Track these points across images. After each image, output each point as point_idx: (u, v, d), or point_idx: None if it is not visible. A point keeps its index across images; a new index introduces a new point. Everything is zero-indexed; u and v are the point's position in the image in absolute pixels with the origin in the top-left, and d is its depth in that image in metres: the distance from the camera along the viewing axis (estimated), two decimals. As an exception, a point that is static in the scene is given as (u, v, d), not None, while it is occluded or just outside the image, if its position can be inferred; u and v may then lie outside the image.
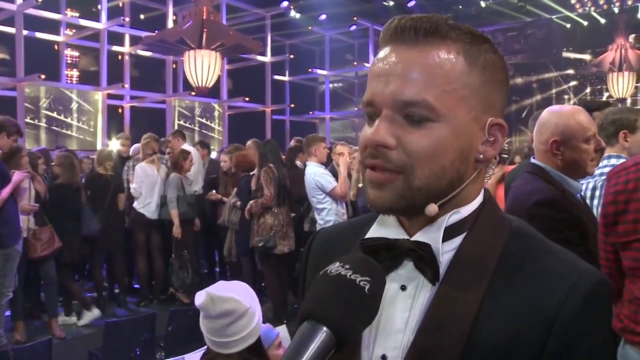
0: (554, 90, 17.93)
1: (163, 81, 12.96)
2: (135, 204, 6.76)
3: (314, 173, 5.85)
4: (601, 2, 15.76)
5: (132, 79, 12.58)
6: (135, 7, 13.03)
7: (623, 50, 14.45)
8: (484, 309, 0.81)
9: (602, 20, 16.17)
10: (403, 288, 0.87)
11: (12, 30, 10.01)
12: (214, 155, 8.64)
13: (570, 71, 17.58)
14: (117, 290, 7.09)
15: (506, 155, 4.51)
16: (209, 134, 13.45)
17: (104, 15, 11.46)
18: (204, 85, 10.46)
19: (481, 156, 0.87)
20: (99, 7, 11.55)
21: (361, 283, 0.76)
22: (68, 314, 6.23)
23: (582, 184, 2.68)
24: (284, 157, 7.01)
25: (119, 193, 6.73)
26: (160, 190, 6.77)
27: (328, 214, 5.83)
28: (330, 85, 17.65)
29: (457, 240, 0.86)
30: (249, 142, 7.68)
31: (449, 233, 0.86)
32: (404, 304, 0.86)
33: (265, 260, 6.20)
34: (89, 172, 7.29)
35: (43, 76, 9.83)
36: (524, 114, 16.10)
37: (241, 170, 6.76)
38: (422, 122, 0.82)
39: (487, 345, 0.79)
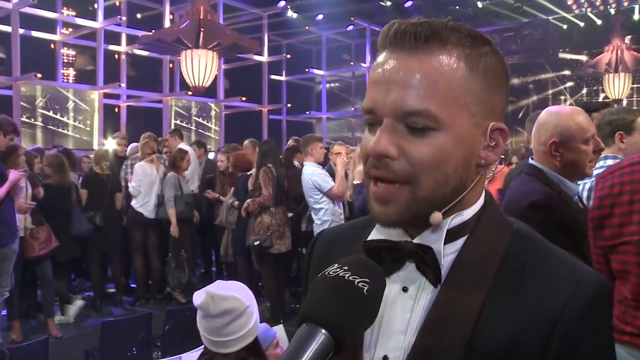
0: (550, 91, 17.96)
1: (160, 80, 12.94)
2: (133, 203, 6.76)
3: (312, 173, 5.86)
4: (597, 3, 15.79)
5: (129, 78, 12.55)
6: (132, 6, 13.01)
7: (619, 52, 14.48)
8: (486, 310, 0.81)
9: (599, 21, 16.20)
10: (405, 289, 0.87)
11: (8, 28, 9.98)
12: (211, 155, 8.62)
13: (567, 72, 17.61)
14: (113, 290, 7.07)
15: (502, 156, 4.52)
16: (206, 133, 13.45)
17: (100, 14, 11.44)
18: (200, 84, 10.45)
19: (483, 161, 0.87)
20: (96, 6, 11.54)
21: (360, 284, 0.76)
22: (64, 313, 6.22)
23: (579, 184, 2.68)
24: (281, 157, 7.01)
25: (117, 192, 6.72)
26: (159, 190, 6.76)
27: (325, 214, 5.84)
28: (327, 85, 17.65)
29: (459, 243, 0.86)
30: (246, 142, 7.68)
31: (451, 235, 0.86)
32: (405, 305, 0.86)
33: (262, 259, 6.19)
34: (88, 171, 7.27)
35: (39, 75, 9.81)
36: (520, 114, 16.13)
37: (239, 170, 6.76)
38: (424, 131, 0.81)
39: (489, 347, 0.80)
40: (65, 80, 12.26)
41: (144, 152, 6.91)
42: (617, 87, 14.36)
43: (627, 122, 2.90)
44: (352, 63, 17.38)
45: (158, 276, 6.92)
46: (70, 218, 6.09)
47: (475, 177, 0.87)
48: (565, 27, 16.85)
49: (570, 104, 15.58)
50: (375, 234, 0.92)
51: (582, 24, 16.57)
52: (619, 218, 1.88)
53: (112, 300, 6.97)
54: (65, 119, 11.15)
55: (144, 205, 6.73)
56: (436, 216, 0.84)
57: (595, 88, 17.30)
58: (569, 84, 17.90)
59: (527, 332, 0.80)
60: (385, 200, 0.83)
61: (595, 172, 2.66)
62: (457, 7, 15.36)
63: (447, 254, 0.85)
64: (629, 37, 15.00)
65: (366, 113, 0.86)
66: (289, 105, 15.62)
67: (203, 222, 7.55)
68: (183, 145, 7.50)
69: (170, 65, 13.09)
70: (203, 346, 2.01)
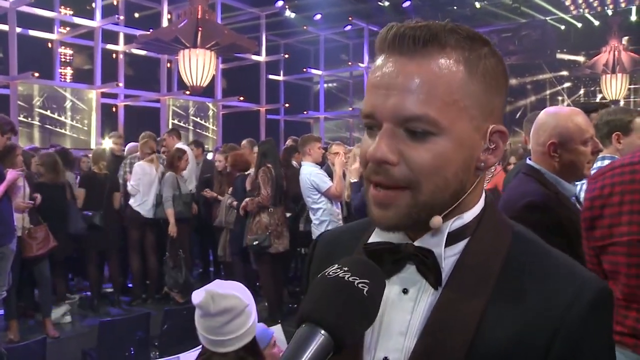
0: (548, 92, 18.00)
1: (157, 80, 12.93)
2: (131, 202, 6.76)
3: (310, 173, 5.86)
4: (595, 4, 15.82)
5: (127, 78, 12.54)
6: (130, 5, 13.00)
7: (616, 52, 14.52)
8: (488, 314, 0.81)
9: (596, 22, 16.23)
10: (405, 291, 0.87)
11: (5, 27, 9.96)
12: (210, 156, 8.63)
13: (564, 72, 17.65)
14: (110, 290, 7.06)
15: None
16: (203, 133, 13.45)
17: (98, 14, 11.42)
18: (198, 84, 10.45)
19: (482, 164, 0.86)
20: (93, 5, 11.52)
21: (359, 285, 0.76)
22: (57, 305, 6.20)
23: (577, 185, 2.69)
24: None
25: (115, 192, 6.72)
26: (157, 189, 6.76)
27: (323, 214, 5.84)
28: (325, 85, 17.67)
29: (460, 245, 0.86)
30: (244, 142, 7.69)
31: (452, 238, 0.86)
32: (405, 307, 0.86)
33: (260, 259, 6.20)
34: (86, 170, 7.26)
35: (36, 74, 9.79)
36: (518, 114, 16.16)
37: (237, 170, 6.76)
38: (424, 135, 0.81)
39: (491, 350, 0.80)
40: (62, 80, 12.26)
41: (144, 152, 6.90)
42: (614, 87, 14.40)
43: (625, 122, 2.90)
44: (350, 63, 17.38)
45: (155, 276, 6.91)
46: (65, 217, 6.07)
47: (474, 180, 0.87)
48: (562, 27, 16.88)
49: (568, 105, 15.62)
50: (375, 236, 0.91)
51: (579, 25, 16.60)
52: (609, 219, 1.88)
53: (109, 300, 6.96)
54: (62, 118, 11.14)
55: (141, 204, 6.73)
56: (436, 220, 0.83)
57: (592, 89, 17.34)
58: (567, 84, 17.93)
59: (529, 336, 0.80)
60: (385, 204, 0.83)
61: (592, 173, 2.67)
62: (455, 8, 15.37)
63: (448, 256, 0.85)
64: (626, 38, 15.04)
65: (365, 117, 0.85)
66: (286, 105, 15.63)
67: (201, 222, 7.55)
68: (181, 145, 7.50)
69: (168, 64, 13.08)
70: (201, 346, 2.01)
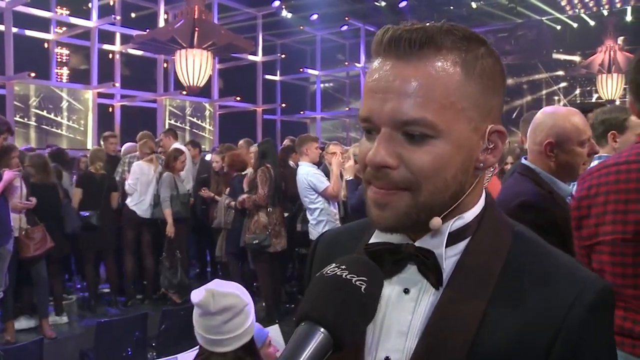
0: (544, 92, 18.03)
1: (154, 80, 12.92)
2: (127, 201, 6.75)
3: (307, 173, 5.86)
4: (590, 5, 15.86)
5: (123, 78, 12.53)
6: (126, 5, 12.98)
7: (612, 52, 14.56)
8: (489, 314, 0.81)
9: (592, 23, 16.27)
10: (406, 291, 0.87)
11: (1, 27, 9.94)
12: (208, 157, 8.62)
13: (560, 72, 17.68)
14: (107, 290, 7.05)
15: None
16: (200, 133, 13.43)
17: (94, 14, 11.41)
18: (195, 84, 10.45)
19: (482, 164, 0.86)
20: (90, 5, 11.50)
21: (357, 283, 0.76)
22: (58, 314, 6.20)
23: (572, 185, 2.69)
24: (276, 156, 7.02)
25: (113, 192, 6.71)
26: (155, 190, 6.75)
27: (320, 214, 5.84)
28: (322, 85, 17.67)
29: (461, 246, 0.86)
30: (241, 142, 7.70)
31: (453, 238, 0.86)
32: (406, 307, 0.87)
33: (258, 258, 6.21)
34: (83, 170, 7.24)
35: (33, 74, 9.78)
36: (514, 114, 16.18)
37: (234, 170, 6.76)
38: (422, 139, 0.80)
39: (492, 351, 0.80)
40: (59, 80, 12.23)
41: (143, 152, 6.89)
42: (610, 87, 14.44)
43: (620, 121, 2.89)
44: (346, 63, 17.40)
45: (152, 276, 6.91)
46: (59, 217, 6.04)
47: (474, 180, 0.87)
48: (558, 28, 16.92)
49: (564, 105, 15.66)
50: (376, 237, 0.91)
51: (575, 25, 16.64)
52: (595, 218, 1.89)
53: (105, 300, 6.95)
54: (59, 119, 11.11)
55: (138, 204, 6.72)
56: (436, 222, 0.84)
57: (588, 88, 17.38)
58: (563, 84, 17.97)
59: (530, 336, 0.80)
60: (384, 205, 0.83)
61: (589, 173, 2.68)
62: (452, 8, 15.38)
63: (449, 256, 0.85)
64: (622, 38, 15.07)
65: (363, 121, 0.85)
66: (283, 105, 15.64)
67: (198, 222, 7.54)
68: (177, 145, 7.50)
69: (165, 64, 13.07)
70: (198, 346, 2.01)
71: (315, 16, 15.30)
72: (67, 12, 12.24)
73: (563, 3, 15.85)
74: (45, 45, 11.73)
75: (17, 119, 10.17)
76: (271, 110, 15.81)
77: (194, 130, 13.36)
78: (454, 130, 0.81)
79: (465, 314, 0.82)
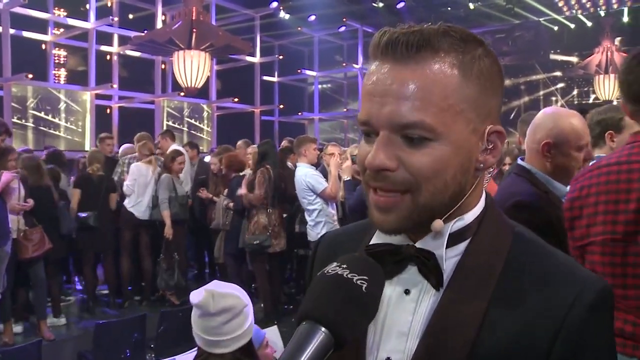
0: (541, 92, 18.05)
1: (152, 81, 12.91)
2: (125, 202, 6.74)
3: (305, 174, 5.87)
4: (588, 5, 15.89)
5: (121, 79, 12.52)
6: (124, 6, 12.97)
7: (609, 53, 14.57)
8: (489, 314, 0.82)
9: (589, 23, 16.29)
10: (407, 292, 0.88)
11: (-1, 29, 9.93)
12: (207, 159, 8.62)
13: (558, 73, 17.69)
14: (106, 292, 7.04)
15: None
16: (198, 134, 13.42)
17: (92, 15, 11.40)
18: (193, 85, 10.45)
19: (481, 165, 0.87)
20: (87, 6, 11.48)
21: (358, 282, 0.77)
22: (56, 315, 6.19)
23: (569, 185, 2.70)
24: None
25: (111, 193, 6.70)
26: (153, 191, 6.75)
27: (318, 215, 5.85)
28: (319, 86, 17.66)
29: (462, 246, 0.87)
30: (239, 142, 7.70)
31: (453, 239, 0.86)
32: (407, 307, 0.87)
33: (257, 259, 6.22)
34: (81, 171, 7.23)
35: (30, 76, 9.76)
36: (512, 115, 16.20)
37: (232, 171, 6.77)
38: (421, 141, 0.81)
39: (492, 351, 0.80)
40: (56, 81, 12.22)
41: (142, 154, 6.88)
42: (607, 88, 14.46)
43: (616, 120, 2.88)
44: (344, 64, 17.41)
45: (150, 277, 6.90)
46: (54, 218, 6.02)
47: (474, 181, 0.87)
48: (556, 28, 16.94)
49: (562, 105, 15.70)
50: (377, 238, 0.92)
51: (572, 26, 16.67)
52: (586, 219, 1.90)
53: (103, 301, 6.94)
54: (56, 120, 11.09)
55: (136, 205, 6.71)
56: (437, 224, 0.84)
57: (585, 89, 17.39)
58: (560, 85, 17.99)
59: (530, 337, 0.80)
60: (386, 208, 0.84)
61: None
62: (449, 9, 15.39)
63: (449, 257, 0.86)
64: (619, 38, 15.09)
65: (362, 125, 0.86)
66: (281, 106, 15.62)
67: (196, 223, 7.54)
68: (175, 146, 7.50)
69: (163, 66, 13.06)
70: (197, 348, 2.01)
71: (313, 17, 15.31)
72: (65, 14, 12.22)
73: (560, 4, 15.87)
74: (43, 46, 11.70)
75: (14, 120, 10.14)
76: (269, 112, 15.81)
77: (192, 131, 13.34)
78: (453, 132, 0.82)
79: (466, 315, 0.82)
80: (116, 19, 11.89)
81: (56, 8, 11.91)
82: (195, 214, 7.50)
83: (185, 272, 7.17)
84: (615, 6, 15.62)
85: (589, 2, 15.74)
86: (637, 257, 1.76)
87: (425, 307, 0.86)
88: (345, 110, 17.53)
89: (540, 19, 16.55)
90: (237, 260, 6.61)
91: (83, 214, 6.37)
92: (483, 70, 0.84)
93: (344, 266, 0.79)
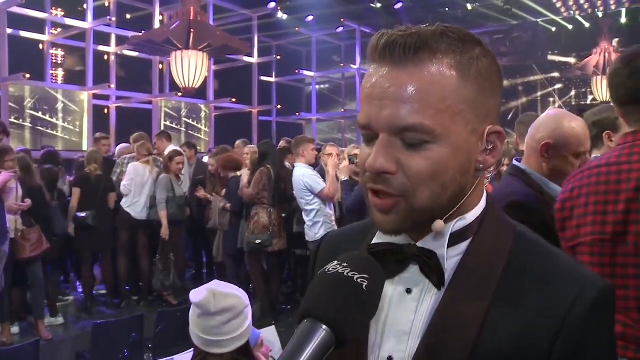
0: (539, 93, 18.07)
1: (149, 81, 12.89)
2: (122, 202, 6.73)
3: (303, 174, 5.87)
4: (586, 6, 15.92)
5: (118, 79, 12.49)
6: (122, 6, 12.96)
7: (607, 54, 14.61)
8: (490, 314, 0.82)
9: (587, 24, 16.33)
10: (408, 291, 0.88)
11: (-4, 28, 9.91)
12: (205, 159, 8.62)
13: (556, 74, 17.73)
14: (104, 292, 7.03)
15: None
16: (196, 134, 13.41)
17: (89, 15, 11.38)
18: (190, 85, 10.45)
19: (481, 166, 0.87)
20: (85, 6, 11.47)
21: (359, 280, 0.77)
22: (53, 315, 6.18)
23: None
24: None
25: (110, 192, 6.69)
26: (151, 192, 6.74)
27: (316, 216, 5.85)
28: (317, 87, 17.68)
29: (463, 246, 0.87)
30: (238, 142, 7.71)
31: (455, 239, 0.87)
32: (409, 307, 0.87)
33: (255, 257, 6.24)
34: (79, 171, 7.21)
35: (28, 75, 9.74)
36: (509, 116, 16.22)
37: (228, 171, 6.78)
38: (420, 144, 0.81)
39: (493, 351, 0.80)
40: (54, 81, 12.20)
41: (141, 154, 6.87)
42: (605, 89, 14.46)
43: (612, 120, 2.88)
44: (342, 64, 17.42)
45: (147, 278, 6.89)
46: (47, 218, 5.99)
47: (474, 182, 0.88)
48: (554, 29, 16.97)
49: (559, 106, 15.72)
50: (378, 237, 0.93)
51: (570, 27, 16.70)
52: (577, 220, 1.91)
53: (101, 301, 6.93)
54: (54, 120, 11.07)
55: (132, 205, 6.70)
56: (438, 225, 0.85)
57: (583, 90, 17.43)
58: (558, 86, 18.01)
59: (531, 336, 0.80)
60: (384, 210, 0.85)
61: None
62: (447, 9, 15.41)
63: (451, 257, 0.86)
64: (617, 39, 15.14)
65: (362, 128, 0.86)
66: (279, 106, 15.62)
67: (194, 223, 7.53)
68: (172, 147, 7.50)
69: (160, 66, 13.05)
70: (193, 347, 2.00)
71: (310, 18, 15.32)
72: (62, 13, 12.21)
73: (558, 5, 15.91)
74: (40, 46, 11.69)
75: (12, 120, 10.11)
76: (267, 112, 15.81)
77: (190, 131, 13.33)
78: (452, 133, 0.82)
79: (467, 314, 0.82)
80: (114, 19, 11.87)
81: (53, 8, 11.89)
82: (193, 214, 7.49)
83: (182, 272, 7.16)
84: (613, 7, 15.66)
85: (586, 3, 15.77)
86: (625, 257, 1.77)
87: (427, 306, 0.86)
88: (343, 110, 17.54)
89: (538, 20, 16.58)
90: (235, 260, 6.62)
91: (81, 214, 6.36)
92: (481, 71, 0.84)
93: (345, 265, 0.80)
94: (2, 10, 9.71)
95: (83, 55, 11.80)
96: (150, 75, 12.88)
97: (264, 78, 15.75)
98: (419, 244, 0.87)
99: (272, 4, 14.01)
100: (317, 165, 6.47)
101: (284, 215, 6.51)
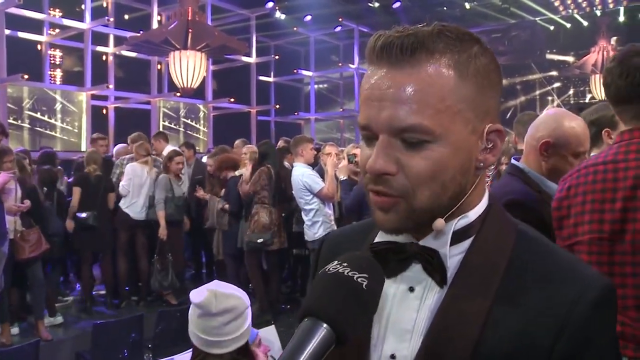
0: (537, 92, 18.08)
1: (148, 82, 12.87)
2: (121, 203, 6.73)
3: (302, 174, 5.87)
4: (584, 5, 15.94)
5: (117, 80, 12.48)
6: (120, 7, 12.94)
7: (605, 53, 14.63)
8: (493, 312, 0.82)
9: (585, 23, 16.34)
10: (411, 290, 0.89)
11: (-6, 29, 9.89)
12: (204, 159, 8.63)
13: (554, 73, 17.73)
14: (104, 292, 7.03)
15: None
16: (194, 135, 13.39)
17: (87, 15, 11.36)
18: (189, 86, 10.46)
19: (481, 164, 0.87)
20: (83, 6, 11.46)
21: (359, 280, 0.78)
22: (52, 315, 6.18)
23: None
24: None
25: (110, 192, 6.69)
26: (149, 191, 6.74)
27: (315, 215, 5.85)
28: (316, 86, 17.67)
29: (465, 244, 0.87)
30: (237, 142, 7.71)
31: (457, 237, 0.87)
32: (412, 305, 0.88)
33: (252, 256, 6.26)
34: (78, 171, 7.21)
35: (26, 76, 9.73)
36: (508, 115, 16.22)
37: (224, 171, 6.80)
38: (420, 144, 0.82)
39: (496, 349, 0.81)
40: (52, 82, 12.19)
41: (139, 154, 6.87)
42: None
43: (609, 117, 2.88)
44: (340, 64, 17.41)
45: (147, 278, 6.89)
46: (41, 218, 5.99)
47: (475, 180, 0.88)
48: (552, 28, 16.98)
49: (558, 105, 15.72)
50: (381, 237, 0.93)
51: (568, 25, 16.71)
52: (574, 218, 1.92)
53: (100, 302, 6.93)
54: (52, 121, 11.05)
55: (131, 206, 6.70)
56: (439, 223, 0.85)
57: (582, 89, 17.43)
58: (556, 84, 18.02)
59: (534, 334, 0.81)
60: (385, 208, 0.85)
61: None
62: (445, 8, 15.41)
63: (453, 255, 0.87)
64: (615, 38, 15.15)
65: (362, 129, 0.86)
66: (277, 106, 15.61)
67: (193, 223, 7.53)
68: (169, 147, 7.50)
69: (159, 66, 13.03)
70: (192, 348, 1.99)
71: (308, 17, 15.31)
72: (60, 14, 12.20)
73: (556, 4, 15.92)
74: (39, 47, 11.68)
75: (10, 121, 10.10)
76: (265, 112, 15.80)
77: (188, 131, 13.32)
78: (452, 133, 0.82)
79: (470, 312, 0.83)
80: (112, 19, 11.85)
81: (51, 8, 11.88)
82: (192, 214, 7.49)
83: (182, 272, 7.17)
84: (611, 5, 15.68)
85: (585, 2, 15.79)
86: (623, 255, 1.77)
87: (430, 304, 0.86)
88: (341, 110, 17.53)
89: (537, 19, 16.59)
90: (236, 260, 6.62)
91: (82, 214, 6.36)
92: (480, 69, 0.84)
93: (345, 264, 0.80)
94: (0, 11, 9.70)
95: (81, 55, 11.79)
96: (148, 75, 12.87)
97: (262, 78, 15.74)
98: (420, 243, 0.88)
99: (270, 4, 14.00)
100: (316, 165, 6.48)
101: (283, 214, 6.51)
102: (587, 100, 16.10)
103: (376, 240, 0.93)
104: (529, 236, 0.91)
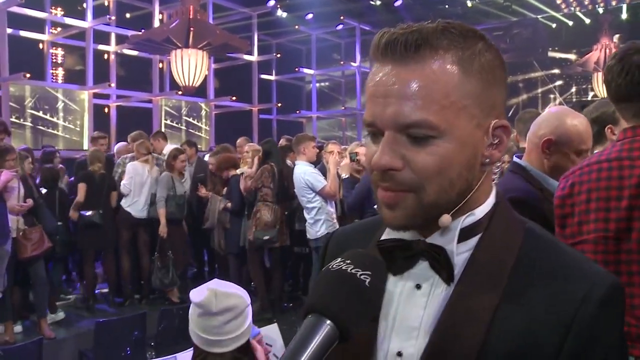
0: (539, 90, 18.07)
1: (149, 80, 12.89)
2: (122, 202, 6.73)
3: (304, 172, 5.87)
4: (586, 3, 15.91)
5: (119, 78, 12.49)
6: (121, 5, 12.96)
7: (607, 50, 14.60)
8: (500, 310, 0.82)
9: (587, 20, 16.32)
10: (418, 287, 0.89)
11: (-4, 28, 9.91)
12: (206, 158, 8.63)
13: (556, 70, 17.72)
14: (106, 290, 7.04)
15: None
16: (196, 133, 13.41)
17: (89, 14, 11.37)
18: (190, 84, 10.46)
19: (487, 160, 0.87)
20: (85, 5, 11.47)
21: (362, 277, 0.79)
22: (53, 312, 6.17)
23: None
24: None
25: (113, 191, 6.70)
26: (151, 190, 6.75)
27: (317, 213, 5.85)
28: (317, 85, 17.67)
29: (473, 241, 0.87)
30: (240, 140, 7.71)
31: (464, 234, 0.87)
32: (419, 302, 0.88)
33: (255, 254, 6.26)
34: (82, 169, 7.21)
35: (28, 75, 9.74)
36: (510, 113, 16.22)
37: (224, 170, 6.81)
38: (426, 140, 0.82)
39: (503, 347, 0.81)
40: (54, 81, 12.21)
41: (140, 152, 6.87)
42: (605, 85, 14.48)
43: (610, 114, 2.88)
44: (342, 62, 17.41)
45: (148, 276, 6.90)
46: (37, 215, 5.98)
47: (481, 176, 0.88)
48: (554, 26, 16.96)
49: (560, 103, 15.71)
50: (387, 234, 0.93)
51: (570, 23, 16.69)
52: (578, 217, 1.90)
53: (103, 300, 6.94)
54: (54, 119, 11.08)
55: (132, 204, 6.70)
56: (445, 219, 0.85)
57: (584, 87, 17.42)
58: (558, 82, 18.00)
59: (541, 332, 0.80)
60: (392, 205, 0.85)
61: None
62: (447, 6, 15.41)
63: (460, 252, 0.86)
64: (617, 36, 15.13)
65: (368, 126, 0.87)
66: (279, 104, 15.61)
67: (195, 221, 7.53)
68: (169, 146, 7.51)
69: (160, 65, 13.05)
70: (193, 347, 1.99)
71: (310, 15, 15.31)
72: (62, 13, 12.22)
73: (558, 1, 15.90)
74: (40, 45, 11.69)
75: (12, 119, 10.11)
76: (267, 110, 15.81)
77: (190, 130, 13.34)
78: (457, 128, 0.82)
79: (477, 310, 0.83)
80: (113, 18, 11.87)
81: (53, 7, 11.90)
82: (193, 212, 7.49)
83: (185, 270, 7.17)
84: (613, 3, 15.65)
85: (586, -1, 15.78)
86: (629, 254, 1.76)
87: (437, 301, 0.86)
88: (343, 108, 17.54)
89: (538, 17, 16.57)
90: (239, 258, 6.62)
91: (86, 213, 6.37)
92: (484, 65, 0.84)
93: (348, 262, 0.81)
94: (1, 9, 9.70)
95: (83, 54, 11.81)
96: (150, 74, 12.88)
97: (264, 76, 15.75)
98: (427, 240, 0.88)
99: (272, 2, 14.02)
100: (318, 163, 6.48)
101: (286, 212, 6.52)
102: (589, 98, 16.08)
103: (383, 237, 0.93)
104: (536, 234, 0.90)
